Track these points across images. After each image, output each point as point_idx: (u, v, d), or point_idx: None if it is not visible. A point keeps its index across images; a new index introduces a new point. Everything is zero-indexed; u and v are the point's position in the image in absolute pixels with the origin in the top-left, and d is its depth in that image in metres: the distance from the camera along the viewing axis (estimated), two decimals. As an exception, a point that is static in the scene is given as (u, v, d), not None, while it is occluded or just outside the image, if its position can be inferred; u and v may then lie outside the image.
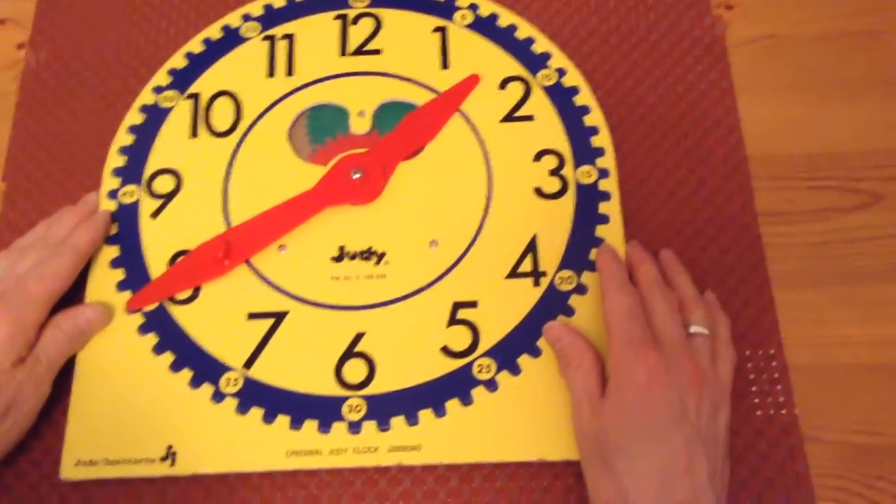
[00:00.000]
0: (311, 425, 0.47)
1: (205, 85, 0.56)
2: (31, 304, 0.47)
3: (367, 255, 0.51)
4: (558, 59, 0.56)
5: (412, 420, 0.47)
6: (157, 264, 0.51)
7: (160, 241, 0.52)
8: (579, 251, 0.50)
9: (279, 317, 0.49)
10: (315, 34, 0.58)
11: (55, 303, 0.48)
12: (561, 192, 0.52)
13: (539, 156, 0.53)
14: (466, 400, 0.47)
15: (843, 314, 0.49)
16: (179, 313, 0.50)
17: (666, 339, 0.44)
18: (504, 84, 0.55)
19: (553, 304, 0.49)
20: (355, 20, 0.58)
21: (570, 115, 0.54)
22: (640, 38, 0.57)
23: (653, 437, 0.41)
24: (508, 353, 0.48)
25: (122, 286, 0.51)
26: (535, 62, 0.56)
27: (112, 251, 0.52)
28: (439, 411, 0.47)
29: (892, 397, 0.48)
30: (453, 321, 0.49)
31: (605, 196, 0.52)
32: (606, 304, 0.46)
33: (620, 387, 0.43)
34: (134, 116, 0.56)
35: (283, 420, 0.47)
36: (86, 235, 0.50)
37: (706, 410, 0.42)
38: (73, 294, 0.50)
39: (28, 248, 0.50)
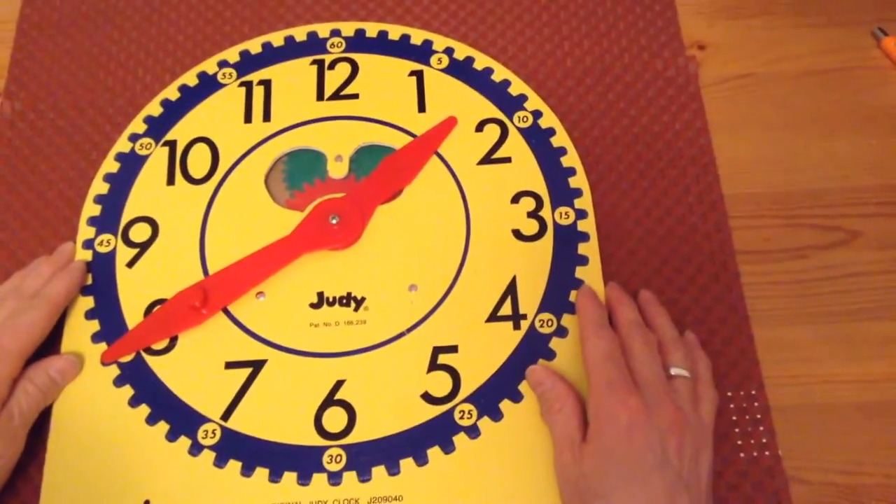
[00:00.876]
0: (290, 477, 0.46)
1: (181, 132, 0.56)
2: (3, 359, 0.46)
3: (346, 300, 0.51)
4: (534, 101, 0.56)
5: (393, 469, 0.46)
6: (133, 314, 0.50)
7: (136, 291, 0.51)
8: (559, 293, 0.50)
9: (257, 365, 0.49)
10: (291, 79, 0.58)
11: (29, 356, 0.47)
12: (539, 234, 0.52)
13: (517, 198, 0.53)
14: (448, 447, 0.46)
15: (824, 353, 0.49)
16: (156, 364, 0.49)
17: (646, 382, 0.44)
18: (481, 126, 0.56)
19: (533, 348, 0.49)
20: (332, 65, 0.58)
21: (547, 156, 0.54)
22: (614, 78, 0.58)
23: (633, 481, 0.41)
24: (490, 398, 0.48)
25: (97, 338, 0.50)
26: (512, 104, 0.56)
27: (87, 302, 0.51)
28: (421, 460, 0.46)
29: (875, 436, 0.47)
30: (434, 366, 0.49)
31: (584, 237, 0.52)
32: (585, 347, 0.46)
33: (601, 431, 0.43)
34: (110, 165, 0.55)
35: (261, 472, 0.46)
36: (61, 286, 0.50)
37: (688, 453, 0.42)
38: (49, 346, 0.49)
39: (2, 299, 0.49)
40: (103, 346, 0.50)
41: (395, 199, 0.54)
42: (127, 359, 0.49)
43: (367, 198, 0.53)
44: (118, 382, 0.49)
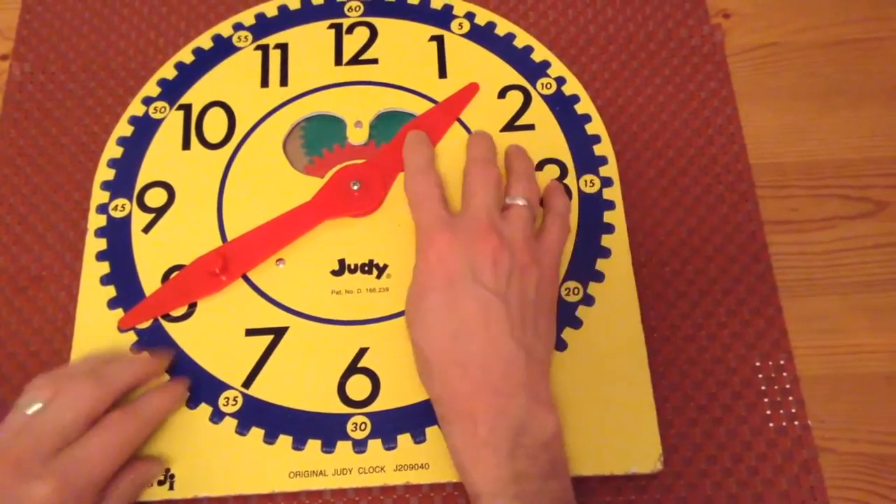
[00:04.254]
0: (314, 445, 0.45)
1: (196, 96, 0.55)
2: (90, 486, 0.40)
3: (368, 268, 0.50)
4: (557, 68, 0.55)
5: (419, 437, 0.45)
6: (150, 280, 0.49)
7: (153, 257, 0.50)
8: (585, 261, 0.49)
9: (278, 332, 0.48)
10: (309, 43, 0.57)
11: None
12: (564, 202, 0.51)
13: (541, 165, 0.52)
14: (474, 416, 0.46)
15: (853, 323, 0.49)
16: (174, 331, 0.48)
17: (467, 214, 0.45)
18: (503, 93, 0.55)
19: (559, 316, 0.48)
20: (350, 29, 0.57)
21: (572, 123, 0.54)
22: (638, 46, 0.57)
23: (443, 304, 0.43)
24: (515, 366, 0.47)
25: (113, 304, 0.49)
26: (534, 71, 0.55)
27: (102, 267, 0.50)
28: (446, 428, 0.45)
29: (905, 406, 0.47)
30: (458, 335, 0.48)
31: (610, 205, 0.51)
32: (405, 190, 0.49)
33: (417, 272, 0.45)
34: (123, 128, 0.54)
35: (284, 440, 0.45)
36: (163, 402, 0.45)
37: (505, 273, 0.43)
38: (64, 314, 0.48)
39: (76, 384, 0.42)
40: (119, 312, 0.49)
41: (417, 166, 0.53)
42: (145, 325, 0.48)
43: (389, 164, 0.52)
44: (136, 348, 0.48)
